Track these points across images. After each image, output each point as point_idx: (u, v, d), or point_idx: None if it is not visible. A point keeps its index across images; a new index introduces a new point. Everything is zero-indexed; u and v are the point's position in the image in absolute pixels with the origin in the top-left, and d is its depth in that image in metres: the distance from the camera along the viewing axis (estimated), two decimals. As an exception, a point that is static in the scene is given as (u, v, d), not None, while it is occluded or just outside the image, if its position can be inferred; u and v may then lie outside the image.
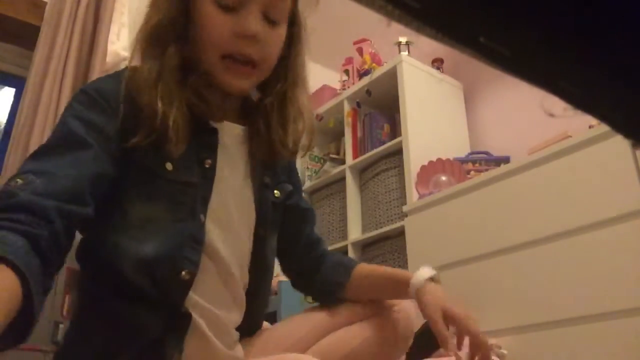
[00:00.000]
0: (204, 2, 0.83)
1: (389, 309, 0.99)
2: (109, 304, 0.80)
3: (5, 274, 0.56)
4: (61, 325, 1.30)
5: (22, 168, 0.71)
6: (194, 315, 0.81)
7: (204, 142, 0.86)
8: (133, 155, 0.79)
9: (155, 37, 0.85)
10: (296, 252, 1.04)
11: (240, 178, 0.91)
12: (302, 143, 0.93)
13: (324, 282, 1.01)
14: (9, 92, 2.39)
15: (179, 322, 0.80)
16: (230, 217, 0.87)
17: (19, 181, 0.67)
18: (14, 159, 1.95)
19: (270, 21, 0.84)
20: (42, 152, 0.74)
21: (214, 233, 0.84)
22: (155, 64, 0.82)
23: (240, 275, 0.88)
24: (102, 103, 0.80)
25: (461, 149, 2.42)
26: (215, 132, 0.88)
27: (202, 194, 0.84)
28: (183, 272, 0.79)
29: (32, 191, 0.66)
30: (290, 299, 1.99)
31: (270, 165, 0.95)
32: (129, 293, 0.79)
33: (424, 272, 0.93)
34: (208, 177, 0.85)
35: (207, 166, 0.85)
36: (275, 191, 0.97)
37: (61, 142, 0.75)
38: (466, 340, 0.91)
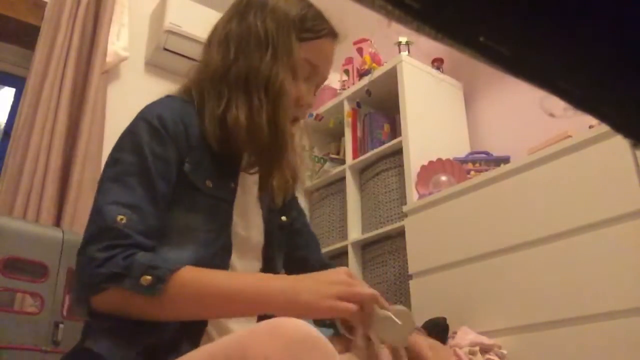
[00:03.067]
0: None
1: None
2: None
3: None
4: (61, 325, 1.30)
5: (114, 198, 0.81)
6: (209, 324, 0.87)
7: (232, 165, 0.96)
8: (180, 172, 0.89)
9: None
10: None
11: (252, 202, 1.01)
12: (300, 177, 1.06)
13: None
14: (9, 92, 2.39)
15: (196, 327, 0.84)
16: (243, 236, 0.96)
17: (121, 219, 0.79)
18: (14, 159, 1.95)
19: None
20: (125, 184, 0.83)
21: (233, 248, 0.93)
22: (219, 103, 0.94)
23: None
24: (164, 132, 0.88)
25: (461, 149, 2.42)
26: (240, 157, 0.97)
27: (231, 211, 0.94)
28: None
29: (135, 229, 0.80)
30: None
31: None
32: None
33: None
34: (233, 197, 0.95)
35: (232, 187, 0.95)
36: (282, 217, 1.08)
37: (136, 173, 0.84)
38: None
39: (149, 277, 0.76)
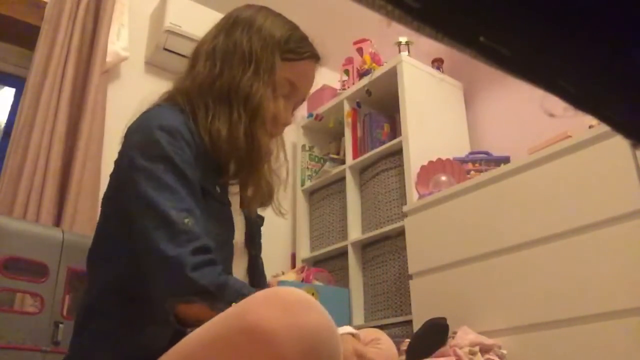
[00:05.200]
0: None
1: (372, 342, 1.07)
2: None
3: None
4: (61, 325, 1.30)
5: (170, 204, 0.85)
6: None
7: (222, 173, 1.01)
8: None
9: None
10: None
11: (235, 205, 1.06)
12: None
13: None
14: (9, 92, 2.39)
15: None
16: (236, 239, 1.02)
17: (187, 221, 0.84)
18: (14, 159, 1.95)
19: None
20: (173, 191, 0.87)
21: None
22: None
23: None
24: (182, 140, 0.91)
25: (461, 149, 2.42)
26: (227, 167, 1.02)
27: (232, 215, 1.00)
28: None
29: (200, 231, 0.84)
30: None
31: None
32: None
33: (345, 328, 0.98)
34: (229, 201, 1.02)
35: (226, 191, 1.01)
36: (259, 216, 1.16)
37: (176, 180, 0.88)
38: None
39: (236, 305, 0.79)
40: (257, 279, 1.07)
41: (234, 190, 1.06)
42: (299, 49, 1.04)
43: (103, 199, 1.00)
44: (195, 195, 0.88)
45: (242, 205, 1.07)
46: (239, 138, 0.95)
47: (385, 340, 1.09)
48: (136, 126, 0.94)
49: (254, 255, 1.08)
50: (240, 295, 0.78)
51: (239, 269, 1.04)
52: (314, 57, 1.08)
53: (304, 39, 1.07)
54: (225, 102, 0.97)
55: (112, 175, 0.98)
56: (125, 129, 0.96)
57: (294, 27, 1.07)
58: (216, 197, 0.96)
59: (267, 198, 1.09)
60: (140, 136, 0.91)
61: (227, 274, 0.92)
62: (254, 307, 0.69)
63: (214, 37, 1.04)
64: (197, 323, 0.79)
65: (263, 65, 0.99)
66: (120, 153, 0.95)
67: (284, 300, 0.69)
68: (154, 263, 0.82)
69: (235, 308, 0.72)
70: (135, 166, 0.88)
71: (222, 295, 0.79)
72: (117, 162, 0.96)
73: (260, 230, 1.14)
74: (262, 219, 1.17)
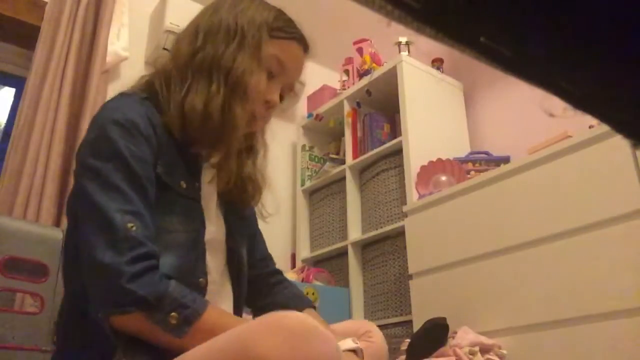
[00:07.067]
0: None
1: (364, 335, 1.06)
2: None
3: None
4: (61, 325, 1.30)
5: (116, 206, 0.80)
6: None
7: (195, 166, 0.98)
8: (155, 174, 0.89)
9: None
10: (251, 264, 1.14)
11: (212, 198, 1.01)
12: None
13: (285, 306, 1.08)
14: (9, 92, 2.39)
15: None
16: (212, 232, 0.98)
17: (131, 226, 0.79)
18: (14, 159, 1.95)
19: None
20: (120, 191, 0.82)
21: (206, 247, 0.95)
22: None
23: (221, 283, 0.99)
24: (138, 134, 0.87)
25: (461, 149, 2.42)
26: (200, 157, 0.99)
27: (202, 210, 0.95)
28: (201, 279, 0.90)
29: (144, 236, 0.79)
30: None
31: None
32: None
33: (346, 343, 0.96)
34: (200, 196, 0.96)
35: (197, 186, 0.96)
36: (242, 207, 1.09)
37: (126, 178, 0.83)
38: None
39: (177, 316, 0.75)
40: (236, 273, 1.03)
41: (207, 177, 1.01)
42: (286, 28, 1.00)
43: (68, 196, 0.95)
44: (145, 196, 0.83)
45: (219, 184, 1.02)
46: (215, 112, 0.90)
47: (376, 333, 1.08)
48: (93, 120, 0.90)
49: (233, 248, 1.03)
50: (179, 306, 0.76)
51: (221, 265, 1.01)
52: (302, 42, 1.03)
53: (291, 21, 1.03)
54: (204, 75, 0.92)
55: (73, 172, 0.93)
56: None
57: (281, 11, 1.04)
58: (181, 192, 0.91)
59: (251, 197, 1.06)
60: (94, 132, 0.87)
61: (198, 273, 0.89)
62: (258, 337, 0.67)
63: (199, 17, 1.00)
64: (135, 334, 0.76)
65: (248, 40, 0.95)
66: (77, 150, 0.91)
67: (290, 330, 0.67)
68: (91, 271, 0.78)
69: (237, 337, 0.70)
70: (84, 165, 0.85)
71: (161, 306, 0.75)
72: (75, 159, 0.92)
73: (245, 224, 1.10)
74: (251, 214, 1.14)
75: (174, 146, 0.92)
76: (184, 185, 0.91)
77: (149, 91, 0.95)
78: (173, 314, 0.75)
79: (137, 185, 0.83)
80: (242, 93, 0.93)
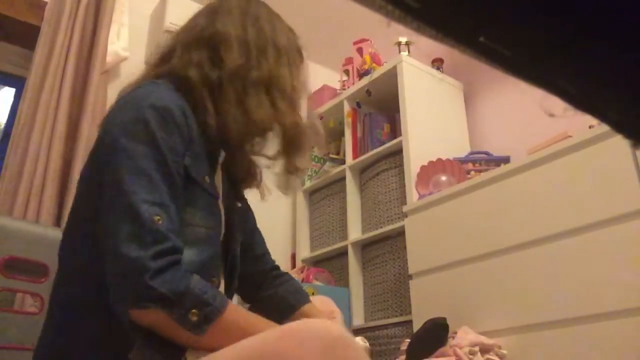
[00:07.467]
0: None
1: (330, 315, 1.08)
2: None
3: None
4: (61, 325, 1.30)
5: (143, 196, 0.79)
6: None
7: (214, 163, 0.99)
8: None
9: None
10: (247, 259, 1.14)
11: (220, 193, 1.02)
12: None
13: (283, 300, 1.10)
14: (9, 92, 2.39)
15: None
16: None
17: (157, 219, 0.78)
18: (14, 159, 1.95)
19: None
20: (150, 180, 0.81)
21: None
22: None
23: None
24: (172, 122, 0.86)
25: (461, 149, 2.42)
26: (218, 154, 1.00)
27: (220, 207, 0.95)
28: (214, 278, 0.89)
29: (169, 230, 0.78)
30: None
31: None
32: None
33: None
34: (219, 193, 0.97)
35: (215, 183, 0.96)
36: (238, 203, 1.09)
37: (156, 167, 0.82)
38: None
39: (197, 313, 0.74)
40: (229, 270, 1.03)
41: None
42: (303, 51, 1.10)
43: (79, 179, 0.93)
44: (173, 187, 0.82)
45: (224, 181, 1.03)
46: (289, 127, 0.98)
47: (337, 313, 1.11)
48: (124, 102, 0.88)
49: (228, 245, 1.02)
50: (200, 303, 0.75)
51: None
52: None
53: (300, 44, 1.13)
54: (261, 90, 0.98)
55: (91, 154, 0.91)
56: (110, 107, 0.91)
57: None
58: (206, 188, 0.90)
59: (250, 183, 1.10)
60: (128, 114, 0.85)
61: (212, 271, 0.89)
62: (291, 349, 0.67)
63: (235, 24, 1.02)
64: (154, 329, 0.75)
65: (292, 60, 1.04)
66: (104, 130, 0.87)
67: (323, 340, 0.68)
68: (114, 262, 0.76)
69: (271, 349, 0.70)
70: (117, 146, 0.82)
71: (181, 302, 0.74)
72: (98, 140, 0.89)
73: (242, 222, 1.10)
74: (248, 210, 1.15)
75: (202, 141, 0.92)
76: (208, 180, 0.91)
77: (181, 85, 0.94)
78: (194, 310, 0.74)
79: (167, 175, 0.82)
80: (297, 109, 1.02)
